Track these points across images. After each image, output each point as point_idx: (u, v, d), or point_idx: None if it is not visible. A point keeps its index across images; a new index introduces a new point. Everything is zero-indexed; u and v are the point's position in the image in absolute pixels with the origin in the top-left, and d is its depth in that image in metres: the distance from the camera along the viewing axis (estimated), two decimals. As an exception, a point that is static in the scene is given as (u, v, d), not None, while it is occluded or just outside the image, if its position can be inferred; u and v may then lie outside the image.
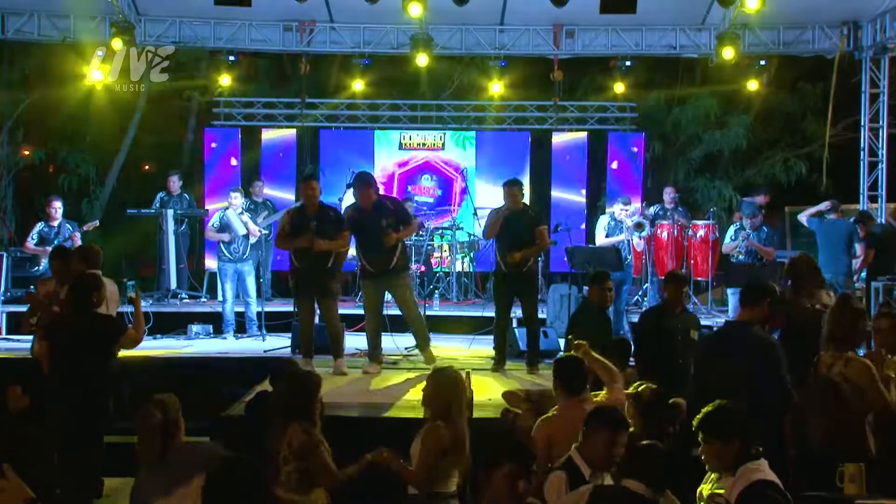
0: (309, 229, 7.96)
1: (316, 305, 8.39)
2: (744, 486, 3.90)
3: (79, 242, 10.26)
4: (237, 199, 10.56)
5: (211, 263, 12.78)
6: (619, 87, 12.90)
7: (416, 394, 6.71)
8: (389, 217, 8.20)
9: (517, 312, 9.02)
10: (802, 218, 10.60)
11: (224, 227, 10.35)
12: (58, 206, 10.72)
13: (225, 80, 12.66)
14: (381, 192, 9.41)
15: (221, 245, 10.36)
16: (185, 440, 4.45)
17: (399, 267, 8.40)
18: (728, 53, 11.14)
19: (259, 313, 10.31)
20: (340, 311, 8.73)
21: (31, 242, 10.62)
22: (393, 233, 8.13)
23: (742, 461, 3.97)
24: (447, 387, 4.80)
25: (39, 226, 10.71)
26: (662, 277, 10.28)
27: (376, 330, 8.45)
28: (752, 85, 12.59)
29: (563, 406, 4.94)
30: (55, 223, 10.64)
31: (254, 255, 10.54)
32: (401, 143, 13.98)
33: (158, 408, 4.37)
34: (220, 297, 11.16)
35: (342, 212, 8.71)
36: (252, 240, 10.38)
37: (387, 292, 8.49)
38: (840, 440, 4.79)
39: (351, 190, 8.94)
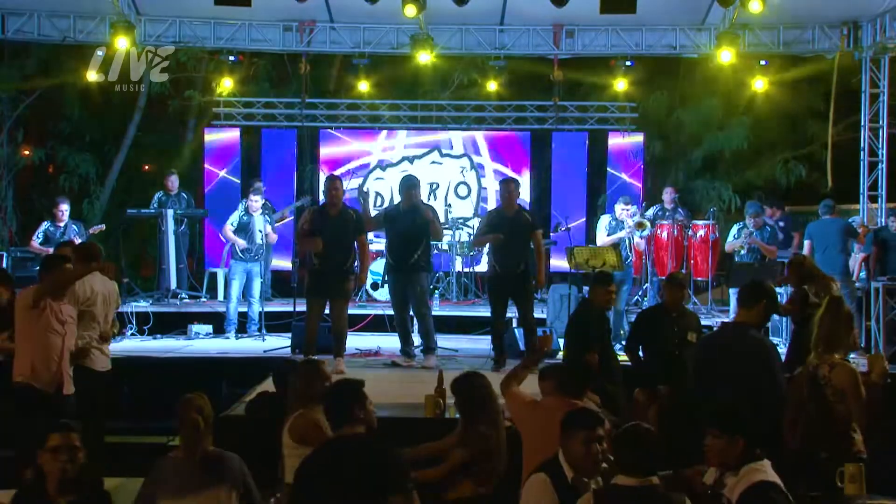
0: (326, 230, 8.18)
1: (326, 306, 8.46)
2: (746, 486, 3.91)
3: (82, 243, 10.25)
4: (258, 201, 10.43)
5: (211, 263, 12.79)
6: (620, 87, 12.91)
7: (415, 394, 6.74)
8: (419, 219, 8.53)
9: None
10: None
11: (242, 227, 10.30)
12: (65, 209, 10.70)
13: (227, 82, 12.66)
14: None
15: (236, 244, 10.36)
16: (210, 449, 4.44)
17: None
18: (728, 54, 11.14)
19: (259, 313, 10.34)
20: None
21: (35, 241, 10.59)
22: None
23: (746, 461, 3.98)
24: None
25: (45, 225, 10.68)
26: (662, 277, 10.31)
27: (401, 324, 8.76)
28: (753, 85, 12.58)
29: (550, 400, 4.75)
30: (61, 224, 10.62)
31: (265, 257, 10.56)
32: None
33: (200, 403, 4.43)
34: (221, 297, 11.14)
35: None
36: (271, 240, 10.38)
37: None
38: (820, 440, 4.81)
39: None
